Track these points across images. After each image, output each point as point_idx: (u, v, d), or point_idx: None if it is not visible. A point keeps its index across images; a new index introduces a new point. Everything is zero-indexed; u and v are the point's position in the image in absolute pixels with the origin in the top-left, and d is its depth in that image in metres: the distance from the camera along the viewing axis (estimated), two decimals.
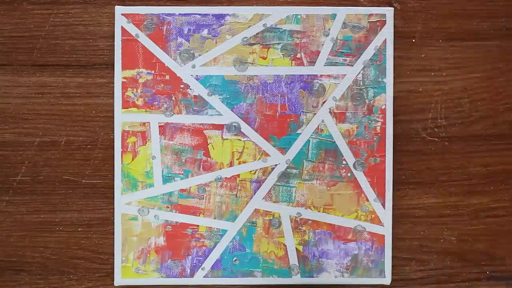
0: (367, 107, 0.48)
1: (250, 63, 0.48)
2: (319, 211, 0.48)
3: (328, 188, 0.48)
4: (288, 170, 0.48)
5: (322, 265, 0.48)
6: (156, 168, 0.48)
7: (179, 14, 0.48)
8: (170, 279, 0.48)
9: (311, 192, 0.48)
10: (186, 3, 0.48)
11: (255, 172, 0.48)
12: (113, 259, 0.48)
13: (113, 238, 0.48)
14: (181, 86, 0.48)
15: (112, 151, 0.48)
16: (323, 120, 0.48)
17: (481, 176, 0.49)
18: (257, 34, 0.48)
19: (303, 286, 0.48)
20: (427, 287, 0.49)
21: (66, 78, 0.48)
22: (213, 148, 0.48)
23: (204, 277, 0.48)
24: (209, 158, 0.48)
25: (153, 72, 0.48)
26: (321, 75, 0.48)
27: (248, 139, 0.48)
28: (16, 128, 0.48)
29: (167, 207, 0.48)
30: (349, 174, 0.48)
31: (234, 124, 0.48)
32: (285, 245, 0.48)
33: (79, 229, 0.48)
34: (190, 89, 0.48)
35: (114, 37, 0.48)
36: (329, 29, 0.48)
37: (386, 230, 0.48)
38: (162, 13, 0.47)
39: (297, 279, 0.48)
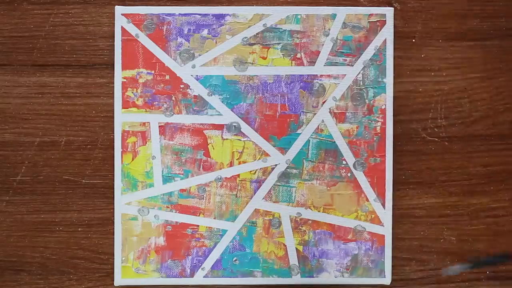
0: (367, 107, 0.48)
1: (250, 63, 0.48)
2: (319, 211, 0.48)
3: (328, 188, 0.48)
4: (288, 170, 0.48)
5: (322, 265, 0.48)
6: (156, 168, 0.48)
7: (179, 14, 0.48)
8: (170, 279, 0.48)
9: (311, 192, 0.48)
10: (186, 3, 0.48)
11: (255, 172, 0.48)
12: (113, 259, 0.48)
13: (113, 238, 0.48)
14: (181, 86, 0.48)
15: (112, 151, 0.48)
16: (323, 120, 0.48)
17: (481, 176, 0.49)
18: (257, 34, 0.48)
19: (303, 286, 0.48)
20: (427, 287, 0.49)
21: (66, 78, 0.48)
22: (213, 148, 0.48)
23: (204, 277, 0.48)
24: (209, 158, 0.48)
25: (153, 72, 0.48)
26: (321, 75, 0.48)
27: (248, 139, 0.48)
28: (16, 128, 0.48)
29: (167, 207, 0.48)
30: (349, 174, 0.48)
31: (234, 124, 0.48)
32: (285, 245, 0.48)
33: (79, 229, 0.48)
34: (190, 89, 0.48)
35: (114, 37, 0.48)
36: (329, 29, 0.48)
37: (386, 230, 0.48)
38: (162, 13, 0.47)
39: (297, 279, 0.48)
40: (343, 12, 0.48)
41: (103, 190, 0.48)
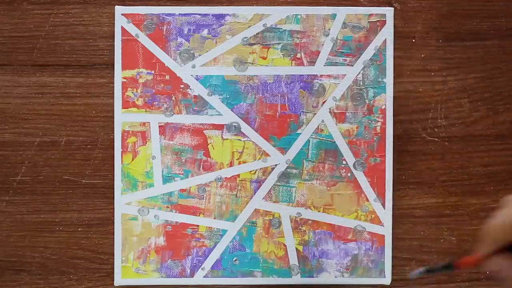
0: (367, 107, 0.48)
1: (250, 63, 0.48)
2: (319, 211, 0.48)
3: (328, 188, 0.48)
4: (288, 170, 0.48)
5: (322, 265, 0.48)
6: (156, 168, 0.48)
7: (179, 14, 0.48)
8: (170, 279, 0.48)
9: (311, 192, 0.48)
10: (186, 3, 0.48)
11: (255, 172, 0.48)
12: (113, 259, 0.48)
13: (113, 238, 0.48)
14: (181, 86, 0.48)
15: (112, 151, 0.48)
16: (323, 120, 0.48)
17: (481, 176, 0.49)
18: (257, 34, 0.48)
19: (303, 286, 0.48)
20: (427, 287, 0.49)
21: (66, 78, 0.48)
22: (213, 148, 0.48)
23: (204, 277, 0.48)
24: (209, 158, 0.48)
25: (153, 72, 0.48)
26: (321, 75, 0.48)
27: (248, 139, 0.48)
28: (16, 128, 0.48)
29: (167, 207, 0.48)
30: (349, 174, 0.48)
31: (234, 124, 0.48)
32: (285, 245, 0.48)
33: (79, 229, 0.48)
34: (190, 89, 0.48)
35: (114, 37, 0.48)
36: (329, 29, 0.48)
37: (386, 230, 0.48)
38: (162, 13, 0.47)
39: (297, 279, 0.48)
40: (343, 12, 0.48)
41: (103, 190, 0.48)
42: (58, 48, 0.48)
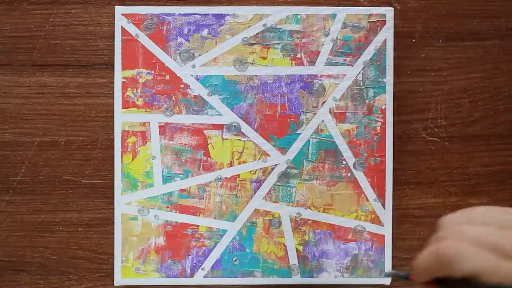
0: (367, 107, 0.48)
1: (250, 63, 0.48)
2: (319, 211, 0.48)
3: (328, 188, 0.48)
4: (288, 170, 0.48)
5: (322, 265, 0.48)
6: (156, 168, 0.48)
7: (179, 14, 0.48)
8: (170, 279, 0.48)
9: (311, 192, 0.48)
10: (186, 3, 0.48)
11: (255, 172, 0.48)
12: (113, 259, 0.48)
13: (113, 238, 0.48)
14: (181, 86, 0.48)
15: (112, 151, 0.48)
16: (323, 120, 0.48)
17: (481, 176, 0.49)
18: (257, 34, 0.48)
19: (303, 286, 0.48)
20: None
21: (66, 78, 0.48)
22: (213, 148, 0.48)
23: (204, 277, 0.48)
24: (209, 158, 0.48)
25: (153, 72, 0.48)
26: (321, 75, 0.48)
27: (248, 139, 0.48)
28: (16, 128, 0.48)
29: (167, 207, 0.48)
30: (349, 174, 0.48)
31: (234, 124, 0.48)
32: (285, 245, 0.48)
33: (79, 229, 0.48)
34: (190, 89, 0.48)
35: (114, 37, 0.48)
36: (329, 29, 0.48)
37: (386, 230, 0.48)
38: (162, 13, 0.47)
39: (297, 279, 0.48)
40: (343, 12, 0.48)
41: (103, 190, 0.48)
42: (58, 48, 0.48)
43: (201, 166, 0.48)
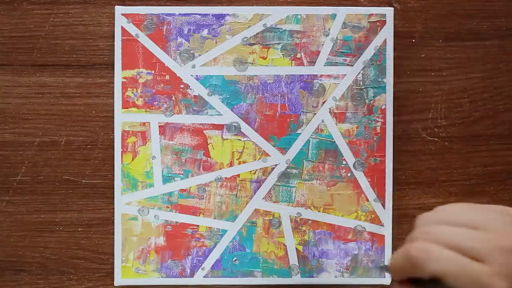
0: (367, 107, 0.48)
1: (250, 63, 0.48)
2: (319, 211, 0.48)
3: (328, 188, 0.48)
4: (288, 170, 0.48)
5: (322, 265, 0.48)
6: (156, 168, 0.48)
7: (179, 14, 0.48)
8: (170, 279, 0.48)
9: (311, 192, 0.48)
10: (186, 3, 0.48)
11: (255, 172, 0.48)
12: (113, 259, 0.48)
13: (113, 238, 0.48)
14: (181, 86, 0.48)
15: (112, 151, 0.48)
16: (323, 120, 0.48)
17: (481, 176, 0.49)
18: (257, 34, 0.48)
19: (303, 286, 0.48)
20: None
21: (66, 78, 0.48)
22: (213, 148, 0.48)
23: (204, 277, 0.48)
24: (209, 158, 0.48)
25: (153, 72, 0.48)
26: (321, 75, 0.48)
27: (248, 139, 0.48)
28: (16, 128, 0.48)
29: (167, 207, 0.48)
30: (349, 174, 0.48)
31: (234, 124, 0.48)
32: (285, 245, 0.48)
33: (79, 229, 0.48)
34: (190, 89, 0.48)
35: (114, 37, 0.48)
36: (329, 29, 0.48)
37: (386, 230, 0.48)
38: (162, 13, 0.47)
39: (297, 279, 0.48)
40: (343, 12, 0.48)
41: (103, 190, 0.48)
42: (58, 48, 0.48)
43: (201, 166, 0.48)
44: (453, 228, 0.28)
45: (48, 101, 0.48)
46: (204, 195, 0.48)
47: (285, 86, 0.48)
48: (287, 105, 0.48)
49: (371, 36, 0.48)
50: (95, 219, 0.48)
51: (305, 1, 0.48)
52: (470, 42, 0.48)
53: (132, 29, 0.47)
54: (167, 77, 0.48)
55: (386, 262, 0.48)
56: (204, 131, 0.48)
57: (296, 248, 0.48)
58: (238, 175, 0.48)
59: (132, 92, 0.48)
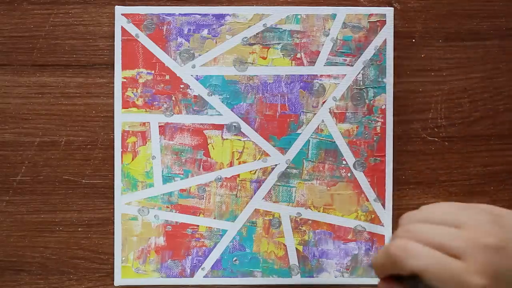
0: (367, 107, 0.48)
1: (250, 63, 0.48)
2: (319, 211, 0.48)
3: (328, 188, 0.48)
4: (288, 170, 0.48)
5: (322, 265, 0.48)
6: (156, 168, 0.48)
7: (179, 14, 0.48)
8: (170, 279, 0.48)
9: (311, 192, 0.48)
10: (186, 3, 0.48)
11: (255, 172, 0.48)
12: (113, 259, 0.48)
13: (113, 238, 0.48)
14: (181, 86, 0.48)
15: (112, 151, 0.48)
16: (323, 120, 0.48)
17: (481, 176, 0.49)
18: (257, 34, 0.48)
19: (303, 286, 0.48)
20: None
21: (66, 78, 0.48)
22: (213, 148, 0.48)
23: (204, 277, 0.48)
24: (209, 158, 0.48)
25: (153, 72, 0.48)
26: (321, 75, 0.48)
27: (248, 139, 0.48)
28: (16, 128, 0.48)
29: (167, 207, 0.48)
30: (349, 174, 0.48)
31: (234, 124, 0.48)
32: (285, 245, 0.48)
33: (79, 229, 0.48)
34: (190, 89, 0.48)
35: (114, 37, 0.48)
36: (329, 29, 0.48)
37: (386, 230, 0.48)
38: (162, 13, 0.47)
39: (297, 279, 0.48)
40: (343, 12, 0.48)
41: (103, 190, 0.48)
42: (58, 48, 0.48)
43: (201, 166, 0.48)
44: (433, 226, 0.29)
45: (48, 101, 0.48)
46: (204, 195, 0.48)
47: (285, 86, 0.48)
48: (287, 105, 0.48)
49: (371, 36, 0.48)
50: (95, 219, 0.48)
51: (305, 1, 0.48)
52: (470, 42, 0.48)
53: (132, 29, 0.47)
54: (167, 77, 0.48)
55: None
56: (204, 131, 0.48)
57: (296, 248, 0.48)
58: (238, 175, 0.48)
59: (132, 92, 0.48)
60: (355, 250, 0.48)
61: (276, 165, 0.48)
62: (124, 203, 0.48)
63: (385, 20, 0.48)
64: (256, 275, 0.48)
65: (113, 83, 0.48)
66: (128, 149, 0.48)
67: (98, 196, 0.48)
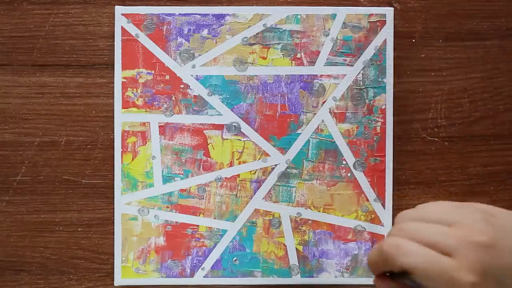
0: (367, 107, 0.48)
1: (250, 63, 0.48)
2: (319, 211, 0.48)
3: (328, 188, 0.48)
4: (288, 170, 0.48)
5: (322, 265, 0.48)
6: (156, 168, 0.48)
7: (179, 14, 0.48)
8: (170, 279, 0.48)
9: (311, 192, 0.48)
10: (186, 3, 0.48)
11: (255, 172, 0.48)
12: (113, 259, 0.48)
13: (113, 238, 0.48)
14: (181, 86, 0.48)
15: (112, 151, 0.48)
16: (323, 120, 0.48)
17: (481, 176, 0.49)
18: (257, 34, 0.48)
19: (303, 286, 0.48)
20: None
21: (66, 78, 0.48)
22: (213, 148, 0.48)
23: (204, 277, 0.48)
24: (209, 158, 0.48)
25: (153, 72, 0.48)
26: (321, 75, 0.48)
27: (248, 139, 0.48)
28: (16, 128, 0.48)
29: (167, 207, 0.48)
30: (349, 174, 0.48)
31: (234, 124, 0.48)
32: (285, 245, 0.48)
33: (79, 229, 0.48)
34: (190, 89, 0.48)
35: (114, 37, 0.48)
36: (329, 29, 0.48)
37: (386, 230, 0.48)
38: (162, 13, 0.47)
39: (297, 279, 0.48)
40: (343, 12, 0.48)
41: (103, 190, 0.48)
42: (58, 48, 0.48)
43: (201, 166, 0.48)
44: (427, 225, 0.29)
45: (48, 101, 0.48)
46: (204, 195, 0.48)
47: (285, 86, 0.48)
48: (287, 105, 0.48)
49: (371, 36, 0.48)
50: (95, 219, 0.48)
51: (305, 1, 0.48)
52: (470, 42, 0.48)
53: (132, 29, 0.47)
54: (167, 77, 0.48)
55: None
56: (204, 131, 0.48)
57: (296, 248, 0.48)
58: (238, 175, 0.48)
59: (132, 92, 0.48)
60: (355, 250, 0.48)
61: (276, 165, 0.48)
62: (124, 203, 0.48)
63: (385, 20, 0.48)
64: (256, 275, 0.48)
65: (113, 83, 0.48)
66: (128, 149, 0.48)
67: (98, 196, 0.48)
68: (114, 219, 0.48)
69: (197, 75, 0.48)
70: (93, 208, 0.48)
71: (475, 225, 0.28)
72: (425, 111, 0.48)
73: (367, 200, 0.48)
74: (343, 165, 0.48)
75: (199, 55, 0.48)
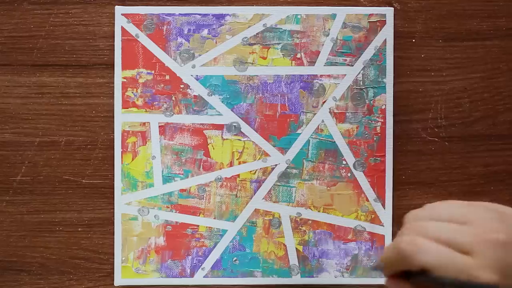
0: (367, 107, 0.48)
1: (250, 63, 0.48)
2: (319, 211, 0.48)
3: (328, 188, 0.48)
4: (288, 170, 0.48)
5: (322, 265, 0.48)
6: (156, 168, 0.48)
7: (179, 14, 0.48)
8: (170, 279, 0.48)
9: (311, 192, 0.48)
10: (186, 3, 0.48)
11: (255, 172, 0.48)
12: (113, 259, 0.48)
13: (113, 238, 0.48)
14: (181, 86, 0.48)
15: (112, 151, 0.48)
16: (323, 120, 0.48)
17: (481, 176, 0.49)
18: (257, 34, 0.48)
19: (303, 286, 0.48)
20: None
21: (66, 78, 0.48)
22: (213, 148, 0.48)
23: (204, 277, 0.48)
24: (209, 158, 0.48)
25: (153, 72, 0.48)
26: (321, 75, 0.48)
27: (248, 139, 0.48)
28: (16, 128, 0.48)
29: (167, 207, 0.48)
30: (349, 174, 0.48)
31: (234, 124, 0.48)
32: (285, 245, 0.48)
33: (79, 229, 0.48)
34: (190, 89, 0.48)
35: (114, 37, 0.48)
36: (329, 29, 0.48)
37: (386, 230, 0.48)
38: (162, 13, 0.47)
39: (297, 279, 0.48)
40: (343, 12, 0.48)
41: (103, 190, 0.48)
42: (58, 48, 0.48)
43: (201, 166, 0.48)
44: (441, 223, 0.29)
45: (48, 101, 0.48)
46: (204, 195, 0.48)
47: (285, 86, 0.48)
48: (287, 105, 0.48)
49: (371, 36, 0.48)
50: (95, 219, 0.48)
51: (305, 1, 0.48)
52: (470, 42, 0.48)
53: (132, 29, 0.47)
54: (167, 77, 0.48)
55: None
56: (204, 131, 0.48)
57: (296, 248, 0.48)
58: (238, 175, 0.48)
59: (132, 92, 0.48)
60: (355, 250, 0.48)
61: (276, 165, 0.48)
62: (124, 203, 0.48)
63: (385, 20, 0.48)
64: (256, 275, 0.48)
65: (113, 83, 0.48)
66: (128, 149, 0.48)
67: (98, 196, 0.48)
68: (114, 219, 0.48)
69: (197, 75, 0.48)
70: (93, 208, 0.48)
71: (489, 223, 0.28)
72: (425, 111, 0.48)
73: (367, 200, 0.48)
74: (343, 165, 0.48)
75: (199, 55, 0.48)
